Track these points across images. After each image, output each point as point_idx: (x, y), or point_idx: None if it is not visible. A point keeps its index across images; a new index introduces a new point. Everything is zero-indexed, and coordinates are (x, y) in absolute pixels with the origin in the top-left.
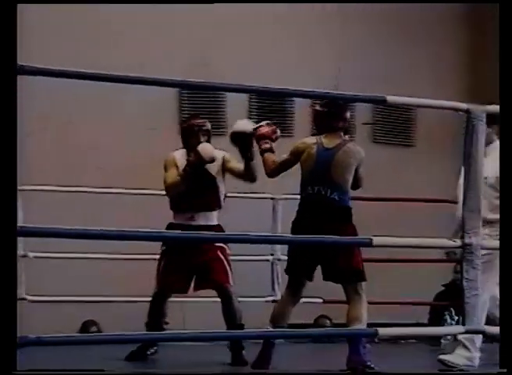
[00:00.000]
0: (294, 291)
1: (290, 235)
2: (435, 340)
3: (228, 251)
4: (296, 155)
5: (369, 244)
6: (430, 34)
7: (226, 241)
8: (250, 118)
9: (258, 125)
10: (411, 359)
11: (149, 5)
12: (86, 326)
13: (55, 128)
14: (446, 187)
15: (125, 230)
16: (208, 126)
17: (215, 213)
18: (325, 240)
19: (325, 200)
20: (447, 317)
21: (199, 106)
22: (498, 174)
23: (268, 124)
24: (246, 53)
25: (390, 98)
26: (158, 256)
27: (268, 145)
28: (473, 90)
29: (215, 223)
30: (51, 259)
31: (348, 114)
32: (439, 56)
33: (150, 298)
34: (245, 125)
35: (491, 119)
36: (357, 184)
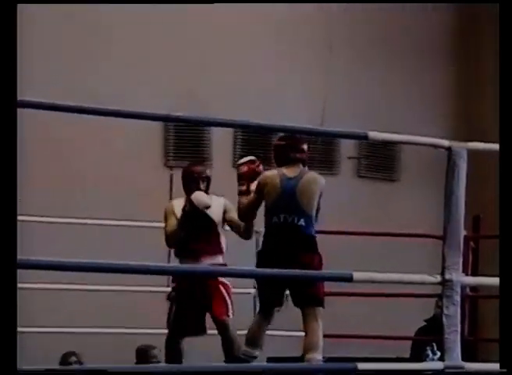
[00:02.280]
0: (266, 316)
1: (276, 270)
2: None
3: (230, 287)
4: (260, 191)
5: (349, 279)
6: (419, 62)
7: (211, 274)
8: (235, 149)
9: (238, 163)
10: None
11: (136, 36)
12: (66, 357)
13: (43, 157)
14: (430, 221)
15: (122, 262)
16: (208, 173)
17: (217, 258)
18: (306, 274)
19: (292, 227)
20: (429, 352)
21: (184, 136)
22: None
23: (249, 162)
24: (232, 82)
25: (372, 134)
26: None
27: (243, 187)
28: (463, 116)
29: (220, 262)
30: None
31: (305, 146)
32: (428, 83)
33: (164, 344)
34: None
35: None
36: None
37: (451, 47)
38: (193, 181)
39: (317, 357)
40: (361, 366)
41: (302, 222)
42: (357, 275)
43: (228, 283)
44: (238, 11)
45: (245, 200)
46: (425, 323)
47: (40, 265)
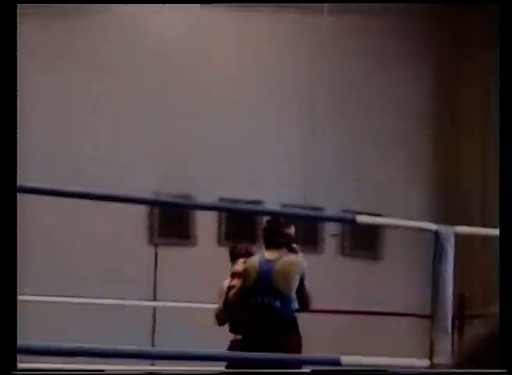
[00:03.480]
0: None
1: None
2: None
3: None
4: (243, 275)
5: (337, 363)
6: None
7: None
8: (220, 226)
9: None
10: None
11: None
12: None
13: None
14: (412, 300)
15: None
16: (251, 250)
17: None
18: (294, 359)
19: (268, 309)
20: None
21: (169, 213)
22: None
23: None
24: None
25: (360, 218)
26: None
27: (233, 282)
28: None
29: None
30: None
31: (290, 230)
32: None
33: None
34: None
35: None
36: (305, 303)
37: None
38: (235, 259)
39: None
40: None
41: (278, 303)
42: (345, 359)
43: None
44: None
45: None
46: None
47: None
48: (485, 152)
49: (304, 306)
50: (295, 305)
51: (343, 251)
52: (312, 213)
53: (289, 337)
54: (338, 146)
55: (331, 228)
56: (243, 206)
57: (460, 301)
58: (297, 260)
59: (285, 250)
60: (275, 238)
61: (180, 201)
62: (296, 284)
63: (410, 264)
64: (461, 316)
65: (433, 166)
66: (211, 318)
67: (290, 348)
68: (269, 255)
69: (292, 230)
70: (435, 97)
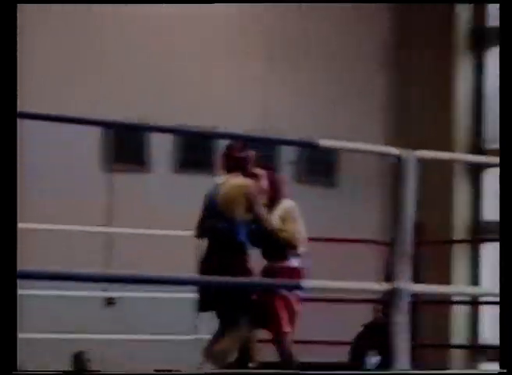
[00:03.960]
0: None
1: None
2: None
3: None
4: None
5: (299, 287)
6: (356, 68)
7: (145, 282)
8: (175, 152)
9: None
10: None
11: None
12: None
13: None
14: (369, 227)
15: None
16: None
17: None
18: (258, 282)
19: (215, 232)
20: (369, 357)
21: (124, 140)
22: None
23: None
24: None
25: (323, 143)
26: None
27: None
28: (399, 124)
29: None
30: None
31: (243, 154)
32: (365, 90)
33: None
34: None
35: None
36: (263, 226)
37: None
38: None
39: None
40: None
41: (223, 226)
42: (306, 283)
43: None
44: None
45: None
46: (364, 328)
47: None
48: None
49: (264, 231)
50: (245, 228)
51: (300, 179)
52: (275, 136)
53: (237, 258)
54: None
55: (287, 157)
56: (198, 129)
57: (418, 229)
58: (243, 183)
59: (239, 174)
60: (227, 162)
61: (134, 123)
62: (241, 207)
63: (366, 191)
64: (419, 243)
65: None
66: (167, 243)
67: (238, 268)
68: (221, 179)
69: (247, 155)
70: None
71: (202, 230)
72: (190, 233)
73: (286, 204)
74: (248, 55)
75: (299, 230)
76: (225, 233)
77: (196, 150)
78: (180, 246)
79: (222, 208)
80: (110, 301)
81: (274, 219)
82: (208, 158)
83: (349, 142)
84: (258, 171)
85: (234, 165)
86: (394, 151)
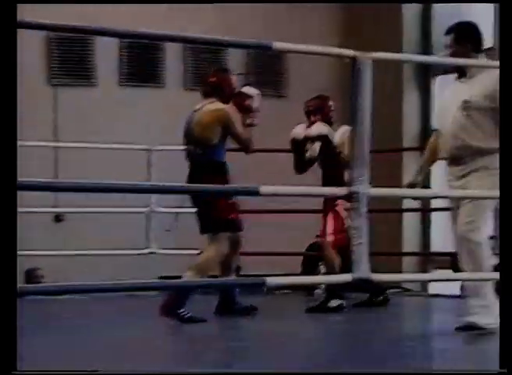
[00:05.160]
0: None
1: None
2: (309, 289)
3: None
4: None
5: (256, 192)
6: None
7: (102, 190)
8: (121, 67)
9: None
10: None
11: None
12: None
13: None
14: None
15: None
16: None
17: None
18: (214, 189)
19: (192, 156)
20: (322, 267)
21: (68, 53)
22: (487, 92)
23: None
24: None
25: (276, 45)
26: None
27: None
28: (347, 25)
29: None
30: None
31: (217, 79)
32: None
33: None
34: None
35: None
36: (242, 145)
37: None
38: None
39: (191, 277)
40: (270, 280)
41: (199, 150)
42: (264, 189)
43: None
44: None
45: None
46: (316, 239)
47: None
48: None
49: (244, 149)
50: (221, 150)
51: None
52: (227, 39)
53: (215, 178)
54: None
55: (234, 67)
56: (146, 32)
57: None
58: (216, 108)
59: (215, 100)
60: (203, 88)
61: (74, 25)
62: (215, 132)
63: None
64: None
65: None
66: (115, 157)
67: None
68: (198, 105)
69: (223, 79)
70: None
71: (186, 156)
72: (137, 146)
73: (343, 129)
74: None
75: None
76: (201, 157)
77: (142, 62)
78: (128, 160)
79: (197, 134)
80: (59, 218)
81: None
82: (155, 72)
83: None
84: (248, 90)
85: (209, 90)
86: (349, 52)
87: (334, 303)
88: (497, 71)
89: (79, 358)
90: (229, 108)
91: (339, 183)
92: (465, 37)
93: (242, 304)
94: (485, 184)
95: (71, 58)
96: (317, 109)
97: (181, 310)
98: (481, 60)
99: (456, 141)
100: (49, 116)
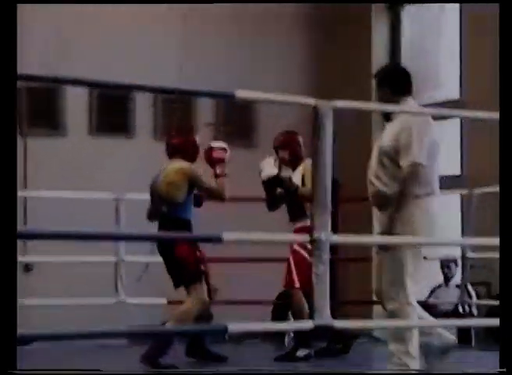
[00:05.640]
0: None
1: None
2: (278, 338)
3: None
4: None
5: (219, 239)
6: (274, 32)
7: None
8: (91, 115)
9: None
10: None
11: None
12: None
13: None
14: None
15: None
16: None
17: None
18: (178, 236)
19: (160, 216)
20: (291, 317)
21: (38, 102)
22: (391, 142)
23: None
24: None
25: (239, 93)
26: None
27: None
28: (320, 89)
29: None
30: None
31: (179, 140)
32: (283, 55)
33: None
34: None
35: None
36: (215, 196)
37: (305, 20)
38: None
39: (171, 327)
40: (232, 326)
41: (164, 208)
42: (227, 235)
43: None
44: None
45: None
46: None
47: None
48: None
49: (217, 199)
50: (187, 208)
51: (217, 140)
52: (189, 88)
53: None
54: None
55: (205, 118)
56: (114, 82)
57: (333, 186)
58: (180, 167)
59: (179, 159)
60: (167, 149)
61: (45, 75)
62: (182, 189)
63: None
64: (335, 200)
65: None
66: (84, 207)
67: (178, 246)
68: (163, 166)
69: (186, 140)
70: None
71: (150, 215)
72: (107, 195)
73: (308, 163)
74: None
75: None
76: (167, 216)
77: (112, 111)
78: (97, 209)
79: (162, 193)
80: (28, 268)
81: (296, 178)
82: (125, 122)
83: (265, 93)
84: (216, 144)
85: (173, 151)
86: (310, 101)
87: (302, 352)
88: (409, 117)
89: None
90: (192, 165)
91: (303, 215)
92: (384, 80)
93: (212, 350)
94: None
95: (41, 107)
96: (284, 145)
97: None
98: (405, 104)
99: (370, 188)
100: (20, 165)
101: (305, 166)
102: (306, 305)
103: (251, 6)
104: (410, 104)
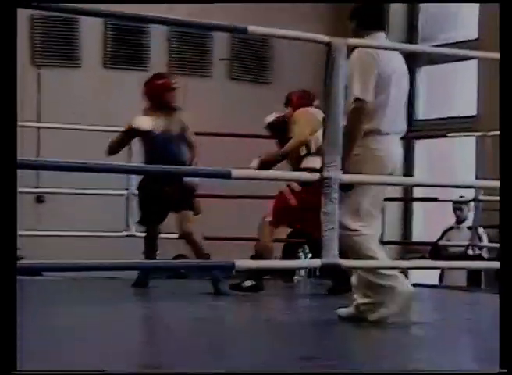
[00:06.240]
0: (153, 236)
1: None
2: (288, 276)
3: None
4: None
5: (228, 175)
6: None
7: (81, 170)
8: (106, 48)
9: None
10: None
11: None
12: None
13: None
14: None
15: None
16: None
17: None
18: (184, 171)
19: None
20: (301, 254)
21: (52, 33)
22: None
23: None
24: None
25: (251, 28)
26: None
27: None
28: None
29: None
30: None
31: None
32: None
33: None
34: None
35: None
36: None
37: None
38: None
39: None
40: (239, 263)
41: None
42: (235, 172)
43: None
44: None
45: None
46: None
47: None
48: None
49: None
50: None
51: (232, 76)
52: (205, 22)
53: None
54: None
55: (219, 53)
56: (129, 13)
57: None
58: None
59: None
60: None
61: (61, 4)
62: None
63: (301, 86)
64: None
65: None
66: (96, 140)
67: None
68: None
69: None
70: None
71: None
72: (120, 128)
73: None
74: None
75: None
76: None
77: (126, 44)
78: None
79: None
80: (40, 199)
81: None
82: (140, 54)
83: (279, 29)
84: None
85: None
86: (324, 38)
87: (247, 283)
88: (355, 52)
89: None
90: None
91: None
92: (353, 14)
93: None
94: None
95: (55, 38)
96: (288, 103)
97: None
98: (371, 38)
99: None
100: (33, 96)
101: (297, 114)
102: (271, 243)
103: None
104: (379, 39)
